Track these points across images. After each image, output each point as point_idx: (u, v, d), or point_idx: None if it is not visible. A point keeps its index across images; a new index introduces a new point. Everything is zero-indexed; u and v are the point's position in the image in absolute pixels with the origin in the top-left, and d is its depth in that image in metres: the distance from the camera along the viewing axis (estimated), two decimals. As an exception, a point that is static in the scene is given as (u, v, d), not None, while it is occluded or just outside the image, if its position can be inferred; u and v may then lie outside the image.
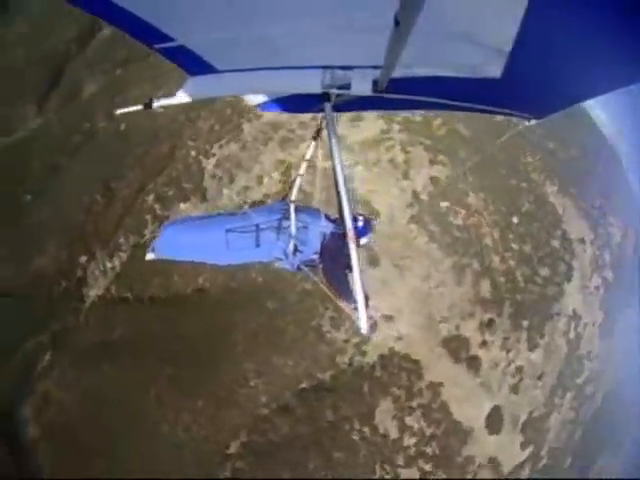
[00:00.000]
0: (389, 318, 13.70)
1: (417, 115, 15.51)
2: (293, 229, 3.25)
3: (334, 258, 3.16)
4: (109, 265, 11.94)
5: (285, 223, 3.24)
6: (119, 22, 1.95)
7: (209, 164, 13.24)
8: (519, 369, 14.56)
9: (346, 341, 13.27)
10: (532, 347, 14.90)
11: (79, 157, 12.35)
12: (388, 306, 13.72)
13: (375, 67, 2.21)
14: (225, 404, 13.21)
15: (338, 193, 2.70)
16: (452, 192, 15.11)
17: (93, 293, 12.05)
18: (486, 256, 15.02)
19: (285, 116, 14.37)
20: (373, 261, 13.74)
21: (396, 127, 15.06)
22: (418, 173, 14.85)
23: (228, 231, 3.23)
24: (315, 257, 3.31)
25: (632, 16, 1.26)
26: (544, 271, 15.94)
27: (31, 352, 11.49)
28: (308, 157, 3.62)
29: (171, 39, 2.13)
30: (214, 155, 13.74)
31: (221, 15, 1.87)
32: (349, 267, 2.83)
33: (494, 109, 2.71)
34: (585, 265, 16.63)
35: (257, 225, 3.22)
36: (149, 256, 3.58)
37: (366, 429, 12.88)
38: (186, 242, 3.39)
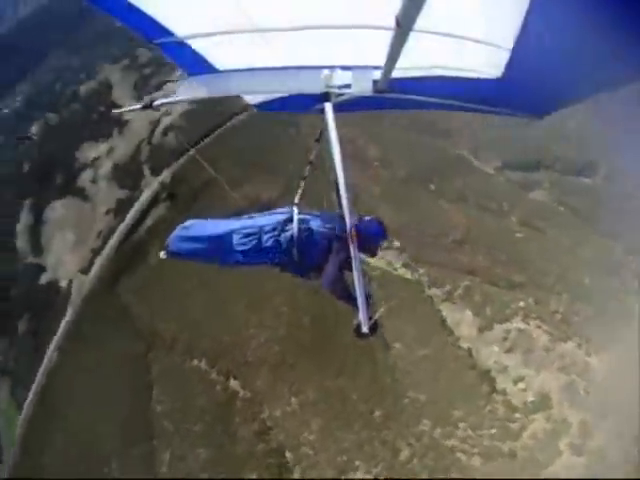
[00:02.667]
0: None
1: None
2: (295, 232, 3.21)
3: (340, 263, 3.07)
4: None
5: (288, 226, 3.23)
6: (123, 16, 2.03)
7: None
8: None
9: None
10: None
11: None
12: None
13: (375, 67, 2.22)
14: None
15: (338, 193, 2.66)
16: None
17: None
18: None
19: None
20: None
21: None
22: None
23: (233, 232, 3.30)
24: (321, 263, 3.20)
25: (631, 16, 1.31)
26: None
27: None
28: (312, 159, 3.61)
29: (171, 34, 2.18)
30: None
31: (225, 15, 1.95)
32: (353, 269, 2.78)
33: (495, 109, 2.73)
34: None
35: (261, 227, 3.26)
36: (162, 255, 3.56)
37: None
38: (195, 241, 3.49)
